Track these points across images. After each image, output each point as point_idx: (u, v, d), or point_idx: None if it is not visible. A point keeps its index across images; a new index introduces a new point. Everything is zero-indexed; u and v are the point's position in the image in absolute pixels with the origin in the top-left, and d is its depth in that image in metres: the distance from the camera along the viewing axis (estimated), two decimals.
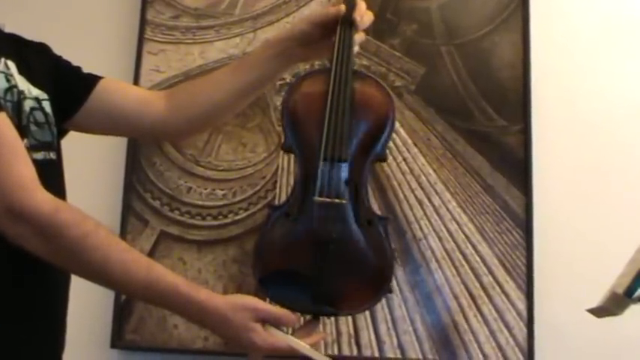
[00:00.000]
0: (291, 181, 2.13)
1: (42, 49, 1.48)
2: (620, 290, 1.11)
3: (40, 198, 1.20)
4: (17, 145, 1.23)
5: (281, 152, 2.15)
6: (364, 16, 1.50)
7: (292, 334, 1.31)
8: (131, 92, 1.62)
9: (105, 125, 1.56)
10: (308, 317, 1.39)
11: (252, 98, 1.63)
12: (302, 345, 1.28)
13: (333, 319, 2.03)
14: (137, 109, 1.55)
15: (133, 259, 1.26)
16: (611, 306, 1.12)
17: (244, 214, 2.16)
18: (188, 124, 1.59)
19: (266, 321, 1.27)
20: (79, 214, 1.24)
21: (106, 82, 1.53)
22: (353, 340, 2.07)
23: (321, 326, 1.38)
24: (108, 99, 1.52)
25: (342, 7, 1.47)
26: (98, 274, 1.25)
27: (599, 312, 1.14)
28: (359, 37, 1.50)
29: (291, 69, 1.86)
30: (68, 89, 1.47)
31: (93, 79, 1.52)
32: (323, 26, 1.49)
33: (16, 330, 1.26)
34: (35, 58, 1.42)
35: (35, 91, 1.36)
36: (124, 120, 1.55)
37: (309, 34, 1.50)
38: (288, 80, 2.10)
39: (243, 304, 1.26)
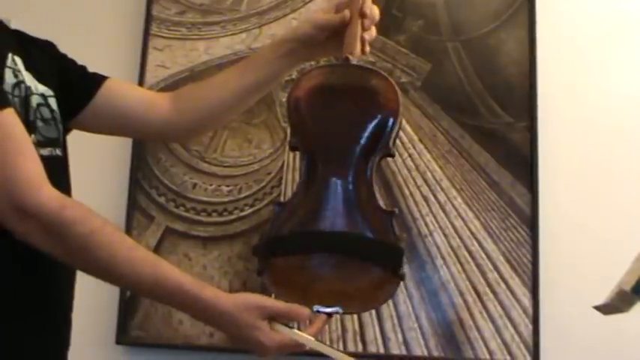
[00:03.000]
0: (297, 178, 2.13)
1: (47, 47, 1.47)
2: (627, 287, 1.10)
3: (47, 195, 1.20)
4: (25, 140, 1.23)
5: (287, 148, 2.15)
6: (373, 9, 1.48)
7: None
8: (136, 93, 1.61)
9: (109, 125, 1.55)
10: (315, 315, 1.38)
11: (257, 98, 1.62)
12: (308, 338, 1.26)
13: (339, 316, 2.03)
14: (142, 110, 1.54)
15: (139, 257, 1.26)
16: (618, 303, 1.12)
17: (249, 211, 2.16)
18: (193, 126, 1.58)
19: (273, 317, 1.26)
20: (85, 211, 1.23)
21: (111, 83, 1.52)
22: (358, 337, 2.07)
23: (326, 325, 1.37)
24: (113, 99, 1.51)
25: (347, 14, 1.45)
26: (104, 271, 1.24)
27: (605, 309, 1.14)
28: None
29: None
30: (73, 88, 1.46)
31: (98, 79, 1.51)
32: (327, 30, 1.47)
33: (20, 326, 1.26)
34: (40, 56, 1.41)
35: (41, 88, 1.35)
36: (129, 121, 1.54)
37: (314, 37, 1.48)
38: (294, 76, 2.10)
39: (249, 303, 1.25)
